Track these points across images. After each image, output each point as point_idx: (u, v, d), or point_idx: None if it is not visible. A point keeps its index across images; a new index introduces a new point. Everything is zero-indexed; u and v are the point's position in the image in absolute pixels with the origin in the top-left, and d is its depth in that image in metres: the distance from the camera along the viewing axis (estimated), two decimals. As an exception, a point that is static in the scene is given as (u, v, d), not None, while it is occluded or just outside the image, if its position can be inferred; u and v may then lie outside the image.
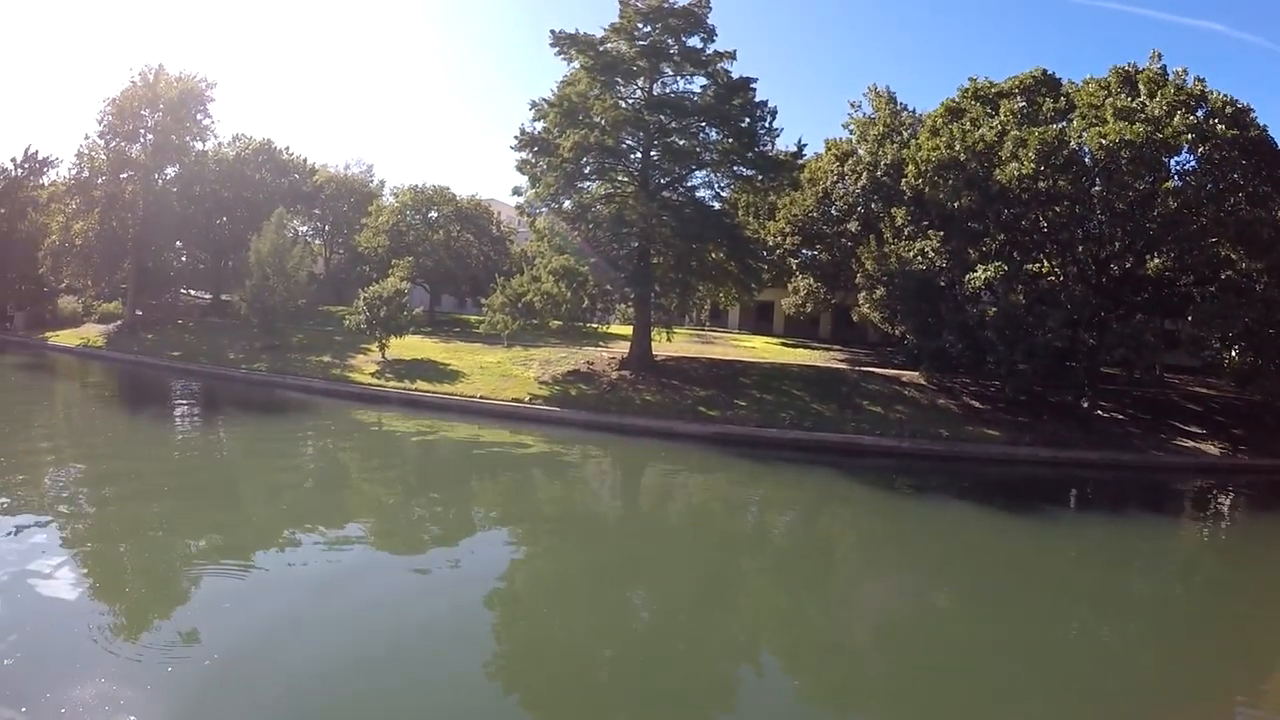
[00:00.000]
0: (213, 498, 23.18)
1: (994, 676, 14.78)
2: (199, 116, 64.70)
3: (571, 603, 17.21)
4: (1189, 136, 37.31)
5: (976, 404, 40.93)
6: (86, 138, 65.29)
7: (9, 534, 17.50)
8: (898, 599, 19.27)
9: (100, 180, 63.60)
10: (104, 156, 63.56)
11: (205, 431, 35.66)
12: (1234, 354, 40.86)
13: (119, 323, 64.69)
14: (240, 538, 19.15)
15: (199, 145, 67.08)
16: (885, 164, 50.96)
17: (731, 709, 13.15)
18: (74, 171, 66.25)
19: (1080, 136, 38.93)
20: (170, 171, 66.37)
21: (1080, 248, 41.19)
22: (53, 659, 11.90)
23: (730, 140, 42.48)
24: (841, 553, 24.45)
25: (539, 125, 43.40)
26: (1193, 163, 39.23)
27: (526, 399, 39.60)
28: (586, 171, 43.35)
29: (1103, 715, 13.36)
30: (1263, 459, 38.46)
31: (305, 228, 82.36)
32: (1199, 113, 38.36)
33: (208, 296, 76.53)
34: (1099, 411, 41.16)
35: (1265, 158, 38.96)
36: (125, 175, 63.85)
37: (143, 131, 63.18)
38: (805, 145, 45.50)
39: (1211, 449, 38.53)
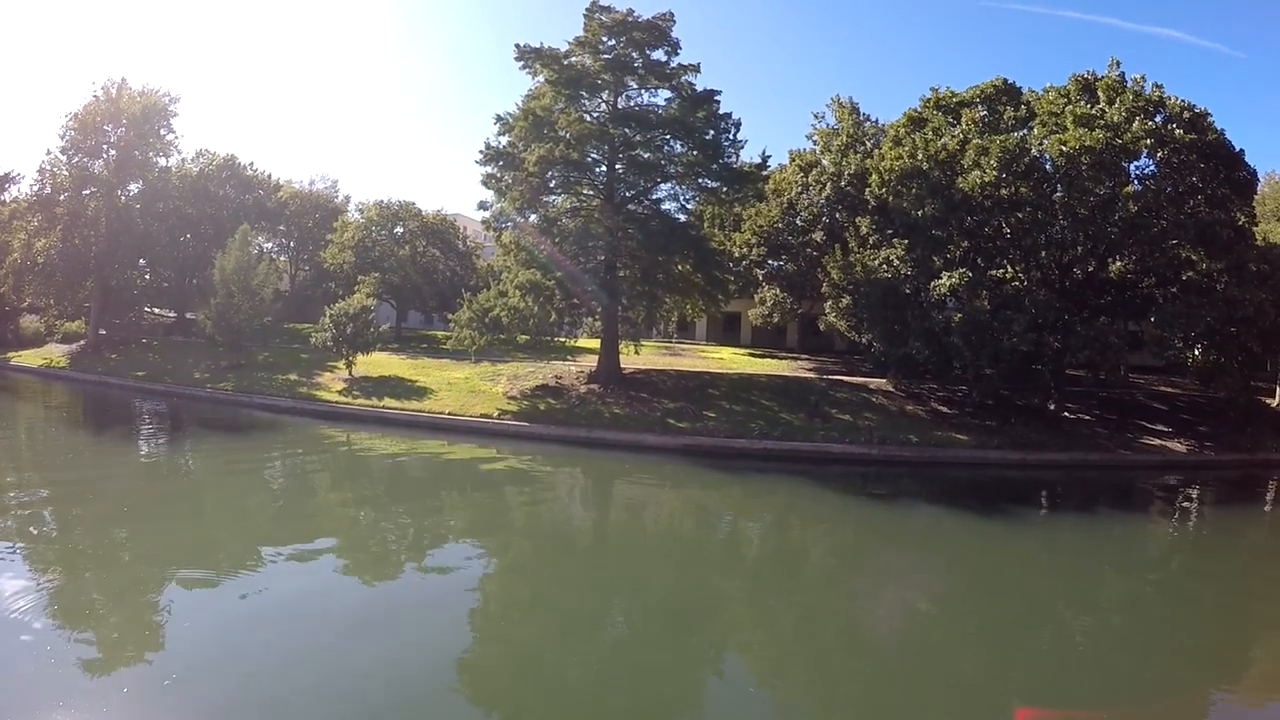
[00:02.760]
0: (178, 518, 22.91)
1: (968, 678, 14.85)
2: (162, 131, 63.97)
3: (544, 617, 17.12)
4: (1148, 141, 37.90)
5: (944, 409, 41.22)
6: (48, 153, 64.19)
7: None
8: (871, 605, 19.35)
9: (62, 197, 62.55)
10: (66, 172, 62.52)
11: (171, 452, 35.20)
12: (1197, 353, 41.55)
13: (82, 342, 63.80)
14: (206, 558, 18.98)
15: (162, 161, 66.35)
16: (849, 174, 51.19)
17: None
18: (35, 188, 65.01)
19: (1041, 144, 39.43)
20: (134, 188, 65.52)
21: (1043, 253, 41.53)
22: (18, 681, 11.73)
23: (695, 152, 42.52)
24: (814, 561, 24.47)
25: (504, 139, 43.33)
26: (1152, 167, 39.93)
27: (495, 414, 39.40)
28: (552, 185, 43.30)
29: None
30: (1228, 454, 39.26)
31: (270, 244, 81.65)
32: (1157, 118, 39.03)
33: (172, 315, 75.78)
34: (1066, 413, 41.59)
35: (1223, 160, 39.60)
36: (88, 192, 62.86)
37: (105, 147, 62.37)
38: (769, 156, 45.74)
39: (1178, 446, 39.13)
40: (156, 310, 78.45)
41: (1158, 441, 39.52)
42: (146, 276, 70.66)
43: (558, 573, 20.87)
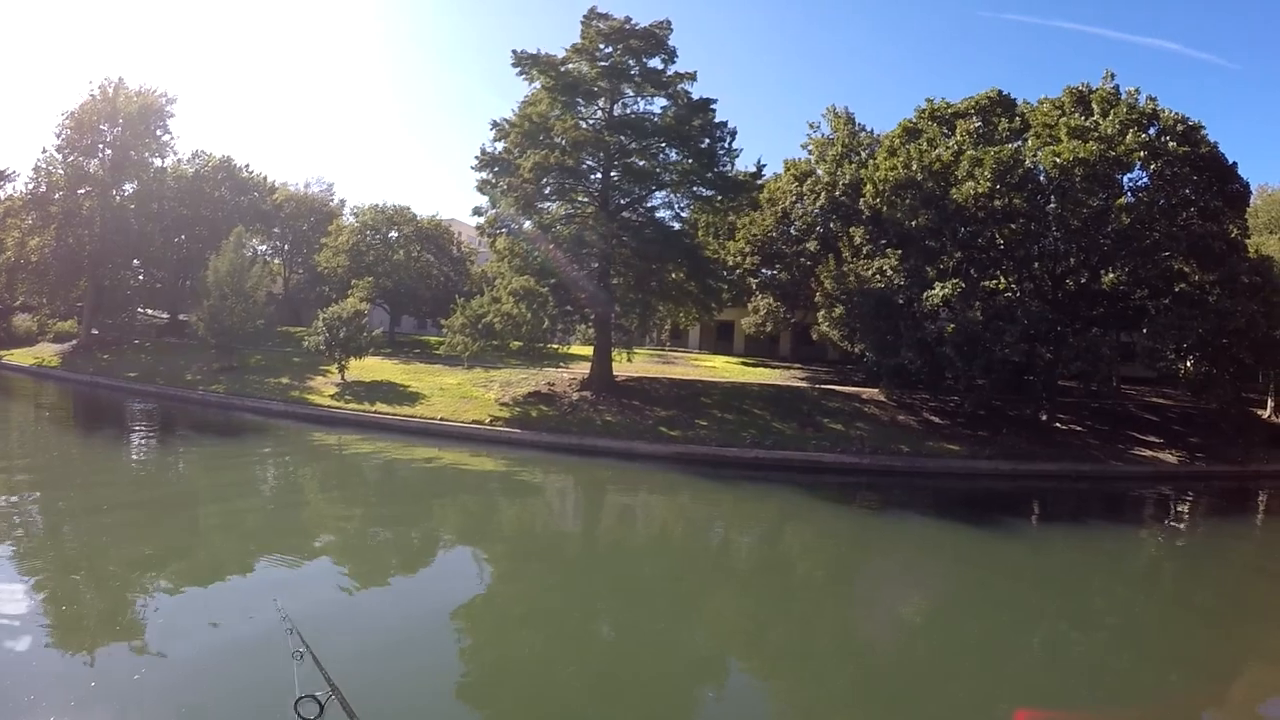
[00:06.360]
0: (167, 522, 22.69)
1: (964, 682, 14.83)
2: (158, 132, 64.17)
3: (534, 626, 16.91)
4: (1141, 154, 37.97)
5: (936, 419, 41.24)
6: (44, 151, 64.32)
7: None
8: (864, 613, 19.28)
9: (57, 195, 62.65)
10: (61, 171, 62.62)
11: (161, 454, 35.02)
12: (1188, 364, 41.60)
13: (74, 342, 63.84)
14: (195, 562, 18.81)
15: (158, 161, 66.52)
16: (843, 184, 51.00)
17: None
18: (30, 186, 65.09)
19: (1035, 155, 39.42)
20: (129, 188, 65.59)
21: (1036, 264, 41.57)
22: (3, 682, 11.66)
23: (690, 161, 42.46)
24: (805, 570, 24.35)
25: (500, 145, 43.19)
26: (1145, 179, 39.89)
27: (487, 421, 39.33)
28: (547, 192, 43.19)
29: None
30: (1219, 465, 39.42)
31: (264, 247, 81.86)
32: (1151, 130, 39.04)
33: (165, 316, 75.84)
34: (1057, 424, 41.64)
35: (1215, 173, 39.65)
36: (83, 191, 62.97)
37: (101, 146, 62.49)
38: (764, 165, 45.82)
39: (1169, 457, 39.25)
40: (150, 311, 78.48)
41: (1149, 452, 39.62)
42: (140, 277, 70.74)
43: (547, 580, 20.66)
